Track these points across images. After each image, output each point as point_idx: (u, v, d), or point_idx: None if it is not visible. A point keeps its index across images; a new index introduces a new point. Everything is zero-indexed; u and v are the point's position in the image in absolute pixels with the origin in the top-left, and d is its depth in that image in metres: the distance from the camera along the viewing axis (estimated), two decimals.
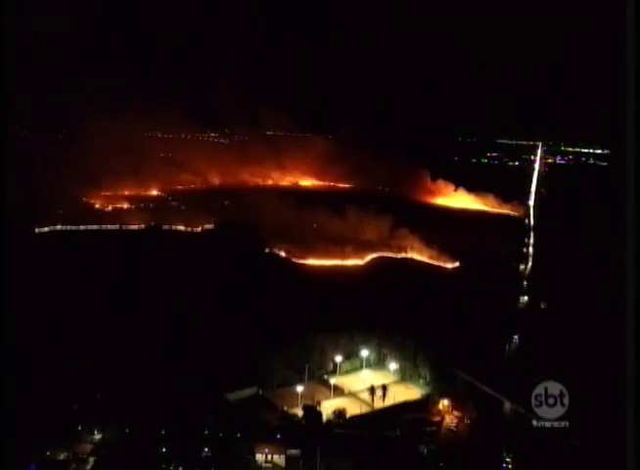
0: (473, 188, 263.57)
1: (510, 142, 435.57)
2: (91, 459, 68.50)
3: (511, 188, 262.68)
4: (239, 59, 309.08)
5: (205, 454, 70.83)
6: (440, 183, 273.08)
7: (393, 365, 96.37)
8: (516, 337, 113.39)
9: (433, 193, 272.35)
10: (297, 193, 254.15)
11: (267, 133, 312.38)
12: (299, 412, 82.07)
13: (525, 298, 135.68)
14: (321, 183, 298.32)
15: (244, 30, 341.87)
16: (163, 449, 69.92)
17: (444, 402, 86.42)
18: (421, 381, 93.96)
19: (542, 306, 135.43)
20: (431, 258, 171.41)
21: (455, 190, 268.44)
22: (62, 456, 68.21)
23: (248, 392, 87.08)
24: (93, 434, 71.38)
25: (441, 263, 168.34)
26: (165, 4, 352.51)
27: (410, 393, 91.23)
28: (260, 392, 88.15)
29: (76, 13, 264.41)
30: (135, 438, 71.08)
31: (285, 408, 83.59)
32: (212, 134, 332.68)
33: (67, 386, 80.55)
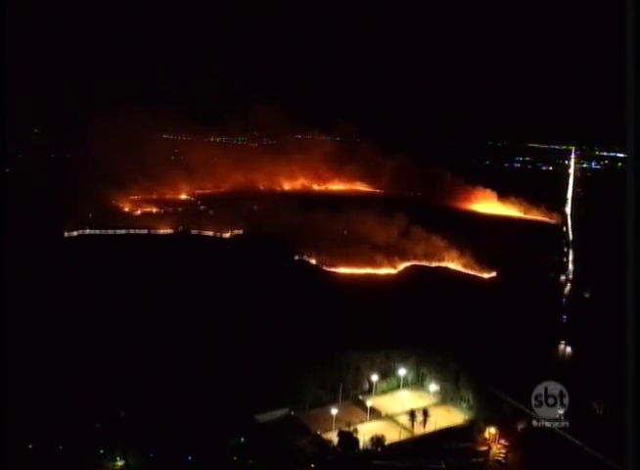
0: (505, 193, 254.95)
1: (542, 146, 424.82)
2: None
3: (544, 193, 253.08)
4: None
5: None
6: (473, 189, 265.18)
7: (433, 386, 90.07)
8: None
9: (464, 199, 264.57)
10: (326, 198, 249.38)
11: (296, 137, 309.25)
12: (334, 437, 76.40)
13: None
14: (351, 188, 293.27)
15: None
16: None
17: (490, 430, 79.65)
18: (463, 404, 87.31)
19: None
20: (466, 266, 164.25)
21: (488, 195, 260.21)
22: None
23: (279, 413, 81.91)
24: (115, 460, 67.02)
25: (477, 273, 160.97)
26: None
27: (452, 417, 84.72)
28: (292, 413, 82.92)
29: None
30: (159, 464, 66.43)
31: (318, 432, 78.22)
32: (241, 138, 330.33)
33: (89, 402, 76.59)
